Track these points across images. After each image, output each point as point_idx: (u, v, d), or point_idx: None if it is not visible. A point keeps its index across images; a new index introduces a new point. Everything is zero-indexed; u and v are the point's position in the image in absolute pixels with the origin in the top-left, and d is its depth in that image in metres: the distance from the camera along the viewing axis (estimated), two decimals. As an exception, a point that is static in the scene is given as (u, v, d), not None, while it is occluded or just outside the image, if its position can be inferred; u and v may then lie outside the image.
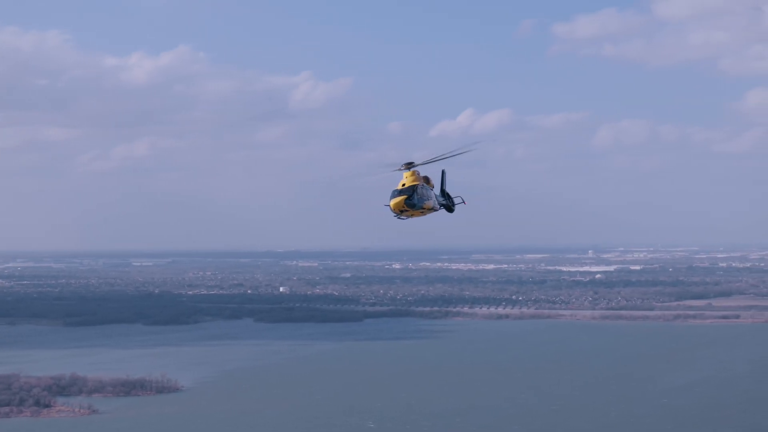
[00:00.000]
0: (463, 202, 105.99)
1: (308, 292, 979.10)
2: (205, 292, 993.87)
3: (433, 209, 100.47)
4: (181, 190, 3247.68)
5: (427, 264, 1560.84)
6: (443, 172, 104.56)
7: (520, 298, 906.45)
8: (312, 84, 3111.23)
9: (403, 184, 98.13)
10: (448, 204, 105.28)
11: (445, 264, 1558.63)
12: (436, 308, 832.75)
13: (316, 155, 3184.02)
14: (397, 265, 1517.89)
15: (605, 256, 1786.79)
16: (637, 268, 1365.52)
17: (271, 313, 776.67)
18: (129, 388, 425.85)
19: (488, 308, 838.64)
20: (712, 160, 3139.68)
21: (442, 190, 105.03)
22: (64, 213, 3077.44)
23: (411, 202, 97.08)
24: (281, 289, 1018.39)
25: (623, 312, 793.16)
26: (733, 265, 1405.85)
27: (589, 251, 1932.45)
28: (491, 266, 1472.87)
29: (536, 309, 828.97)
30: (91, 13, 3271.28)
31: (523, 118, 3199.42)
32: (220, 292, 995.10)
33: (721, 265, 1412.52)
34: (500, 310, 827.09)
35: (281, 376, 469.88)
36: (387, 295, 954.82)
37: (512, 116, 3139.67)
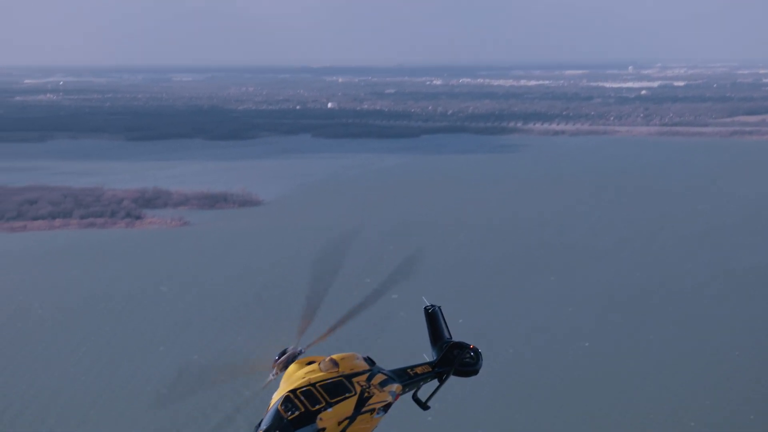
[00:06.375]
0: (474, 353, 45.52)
1: (357, 108, 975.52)
2: (255, 107, 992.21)
3: (391, 399, 41.89)
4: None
5: (468, 80, 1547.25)
6: (428, 315, 46.73)
7: (571, 114, 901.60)
8: None
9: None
10: (462, 365, 44.71)
11: (486, 80, 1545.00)
12: (489, 124, 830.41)
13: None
14: (438, 81, 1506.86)
15: (645, 71, 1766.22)
16: (681, 84, 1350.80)
17: (327, 129, 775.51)
18: (213, 201, 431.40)
19: (542, 124, 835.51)
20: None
21: (440, 347, 45.55)
22: (91, 25, 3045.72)
23: None
24: (329, 104, 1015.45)
25: (678, 128, 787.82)
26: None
27: (629, 67, 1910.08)
28: (533, 82, 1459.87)
29: (591, 125, 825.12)
30: None
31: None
32: (270, 107, 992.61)
33: (765, 81, 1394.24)
34: (555, 126, 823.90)
35: (360, 188, 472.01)
36: (437, 111, 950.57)
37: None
